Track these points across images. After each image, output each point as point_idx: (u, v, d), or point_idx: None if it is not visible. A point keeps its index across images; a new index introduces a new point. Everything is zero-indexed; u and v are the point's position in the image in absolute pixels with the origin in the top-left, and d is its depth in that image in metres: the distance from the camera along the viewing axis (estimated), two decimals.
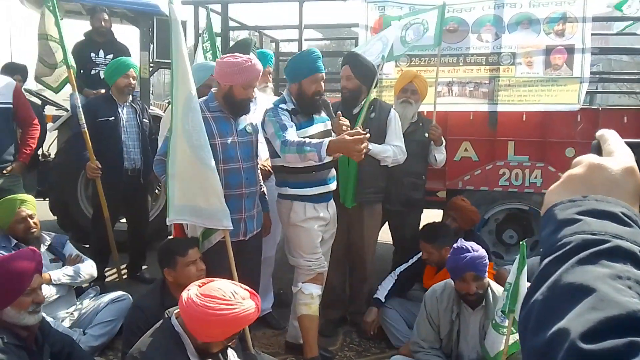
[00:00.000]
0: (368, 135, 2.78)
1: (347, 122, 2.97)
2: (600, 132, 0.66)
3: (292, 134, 2.88)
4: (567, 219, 0.54)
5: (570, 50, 4.12)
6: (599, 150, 0.64)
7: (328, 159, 2.95)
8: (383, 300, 3.51)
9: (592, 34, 4.25)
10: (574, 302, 0.46)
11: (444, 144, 3.91)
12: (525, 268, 2.55)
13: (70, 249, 3.56)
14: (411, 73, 3.99)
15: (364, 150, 2.74)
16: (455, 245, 2.87)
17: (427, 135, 3.84)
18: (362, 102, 3.45)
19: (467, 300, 2.85)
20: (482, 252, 2.81)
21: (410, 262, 3.60)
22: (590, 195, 0.56)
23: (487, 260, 2.86)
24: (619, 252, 0.49)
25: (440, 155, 3.89)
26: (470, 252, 2.76)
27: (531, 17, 4.17)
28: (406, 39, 3.99)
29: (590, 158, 0.61)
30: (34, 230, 3.33)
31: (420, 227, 3.85)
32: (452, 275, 2.87)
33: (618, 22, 5.97)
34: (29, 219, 3.32)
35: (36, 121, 4.23)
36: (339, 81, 3.96)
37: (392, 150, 3.45)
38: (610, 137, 0.64)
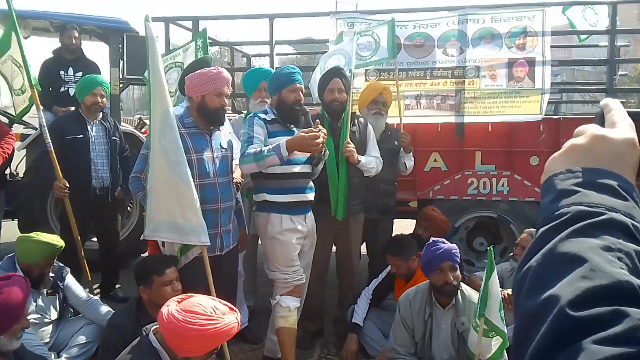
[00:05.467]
0: (324, 130, 2.92)
1: (324, 129, 3.05)
2: (604, 102, 0.65)
3: (255, 147, 2.96)
4: (566, 189, 0.55)
5: (531, 63, 4.31)
6: (602, 120, 0.63)
7: (300, 168, 3.06)
8: (362, 324, 3.55)
9: (555, 46, 4.44)
10: (567, 271, 0.48)
11: (412, 150, 4.07)
12: (495, 272, 2.65)
13: (71, 282, 3.42)
14: (380, 85, 4.12)
15: (322, 145, 2.90)
16: (429, 241, 3.03)
17: (396, 143, 3.97)
18: (343, 115, 3.59)
19: (445, 292, 2.95)
20: (454, 245, 3.01)
21: (381, 277, 3.68)
22: (591, 166, 0.56)
23: (458, 254, 3.03)
24: (612, 224, 0.51)
25: (409, 161, 4.06)
26: (445, 244, 2.95)
27: (493, 32, 4.35)
28: (359, 52, 4.14)
29: (593, 128, 0.60)
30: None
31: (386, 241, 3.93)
32: (428, 269, 2.98)
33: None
34: (53, 264, 3.29)
35: (12, 134, 4.14)
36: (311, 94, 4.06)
37: (375, 161, 3.63)
38: (614, 107, 0.63)
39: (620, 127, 0.60)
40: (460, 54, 4.41)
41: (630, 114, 0.63)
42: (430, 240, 3.03)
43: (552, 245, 0.51)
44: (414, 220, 4.53)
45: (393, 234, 4.08)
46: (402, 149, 4.01)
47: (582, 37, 5.59)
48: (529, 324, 0.48)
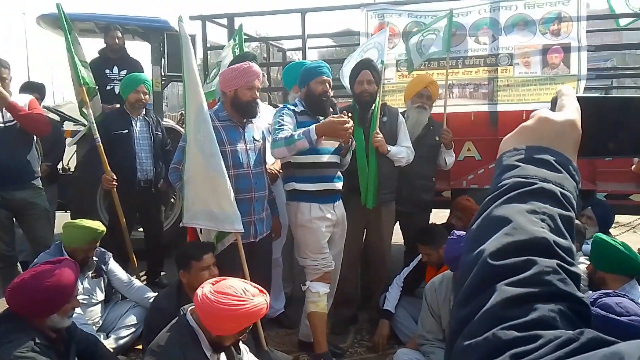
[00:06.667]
0: (351, 119, 2.98)
1: (350, 120, 3.12)
2: (559, 87, 0.72)
3: (285, 133, 3.07)
4: (510, 164, 0.63)
5: (566, 49, 4.21)
6: (555, 105, 0.70)
7: (329, 158, 3.15)
8: (393, 311, 3.62)
9: (593, 31, 4.31)
10: (496, 230, 0.57)
11: (453, 147, 4.06)
12: None
13: (114, 267, 3.67)
14: (427, 78, 4.09)
15: (350, 131, 2.97)
16: (455, 235, 3.00)
17: (437, 138, 3.99)
18: (373, 106, 3.66)
19: None
20: None
21: (412, 265, 3.73)
22: (534, 144, 0.64)
23: None
24: (541, 192, 0.58)
25: (450, 158, 4.06)
26: None
27: (526, 19, 4.28)
28: (423, 50, 4.16)
29: (541, 111, 0.67)
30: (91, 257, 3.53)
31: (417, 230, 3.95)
32: (454, 263, 2.97)
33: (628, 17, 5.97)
34: (96, 249, 3.54)
35: (44, 116, 4.20)
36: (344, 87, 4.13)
37: (405, 151, 3.68)
38: (565, 93, 0.70)
39: (566, 110, 0.67)
40: (493, 41, 4.36)
41: (578, 98, 0.69)
42: (455, 236, 3.00)
43: (489, 210, 0.61)
44: (448, 211, 4.54)
45: None
46: (442, 144, 4.02)
47: (622, 22, 5.37)
48: (464, 275, 0.57)
